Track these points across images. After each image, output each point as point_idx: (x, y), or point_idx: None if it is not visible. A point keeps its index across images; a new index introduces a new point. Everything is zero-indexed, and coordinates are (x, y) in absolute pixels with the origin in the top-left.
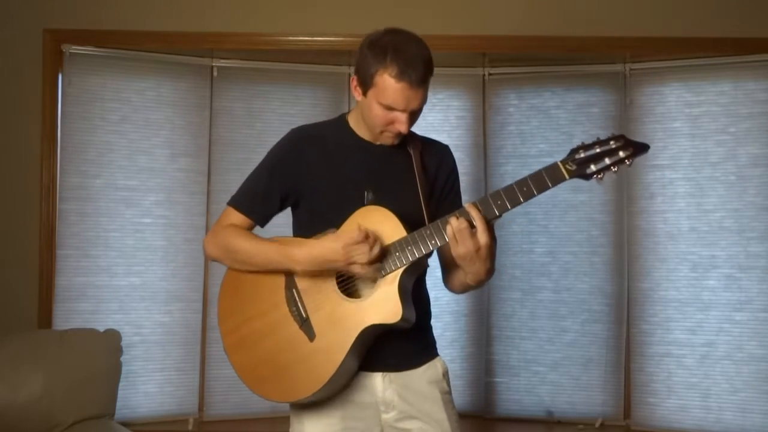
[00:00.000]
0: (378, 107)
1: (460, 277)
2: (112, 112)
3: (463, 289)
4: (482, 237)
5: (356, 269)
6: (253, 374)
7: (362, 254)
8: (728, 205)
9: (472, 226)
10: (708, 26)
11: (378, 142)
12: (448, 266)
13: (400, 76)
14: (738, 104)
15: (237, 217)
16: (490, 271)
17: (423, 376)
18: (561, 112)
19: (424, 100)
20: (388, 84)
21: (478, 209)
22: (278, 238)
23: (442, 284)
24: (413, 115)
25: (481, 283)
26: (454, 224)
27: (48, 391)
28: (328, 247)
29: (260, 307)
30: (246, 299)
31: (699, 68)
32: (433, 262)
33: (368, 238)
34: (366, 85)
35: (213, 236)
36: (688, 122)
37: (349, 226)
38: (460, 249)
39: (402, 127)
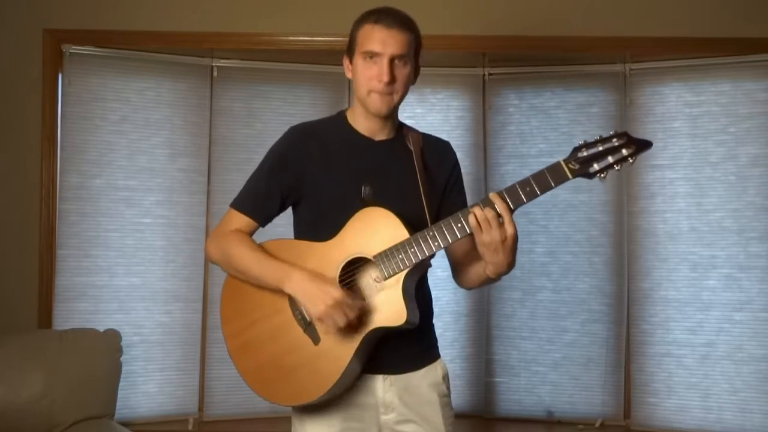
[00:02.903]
0: (361, 63)
1: (478, 270)
2: (112, 112)
3: (480, 283)
4: (509, 227)
5: (327, 321)
6: (258, 377)
7: (342, 318)
8: (728, 205)
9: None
10: (708, 26)
11: (369, 115)
12: (460, 263)
13: (376, 20)
14: (738, 104)
15: (239, 219)
16: (512, 264)
17: (423, 379)
18: (561, 112)
19: (403, 48)
20: (367, 31)
21: (504, 199)
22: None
23: (443, 284)
24: (395, 68)
25: (500, 276)
26: (479, 214)
27: (48, 391)
28: (325, 289)
29: (263, 310)
30: (249, 302)
31: (699, 68)
32: (434, 261)
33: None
34: (351, 50)
35: (215, 240)
36: (688, 122)
37: (348, 231)
38: (486, 237)
39: (384, 76)
